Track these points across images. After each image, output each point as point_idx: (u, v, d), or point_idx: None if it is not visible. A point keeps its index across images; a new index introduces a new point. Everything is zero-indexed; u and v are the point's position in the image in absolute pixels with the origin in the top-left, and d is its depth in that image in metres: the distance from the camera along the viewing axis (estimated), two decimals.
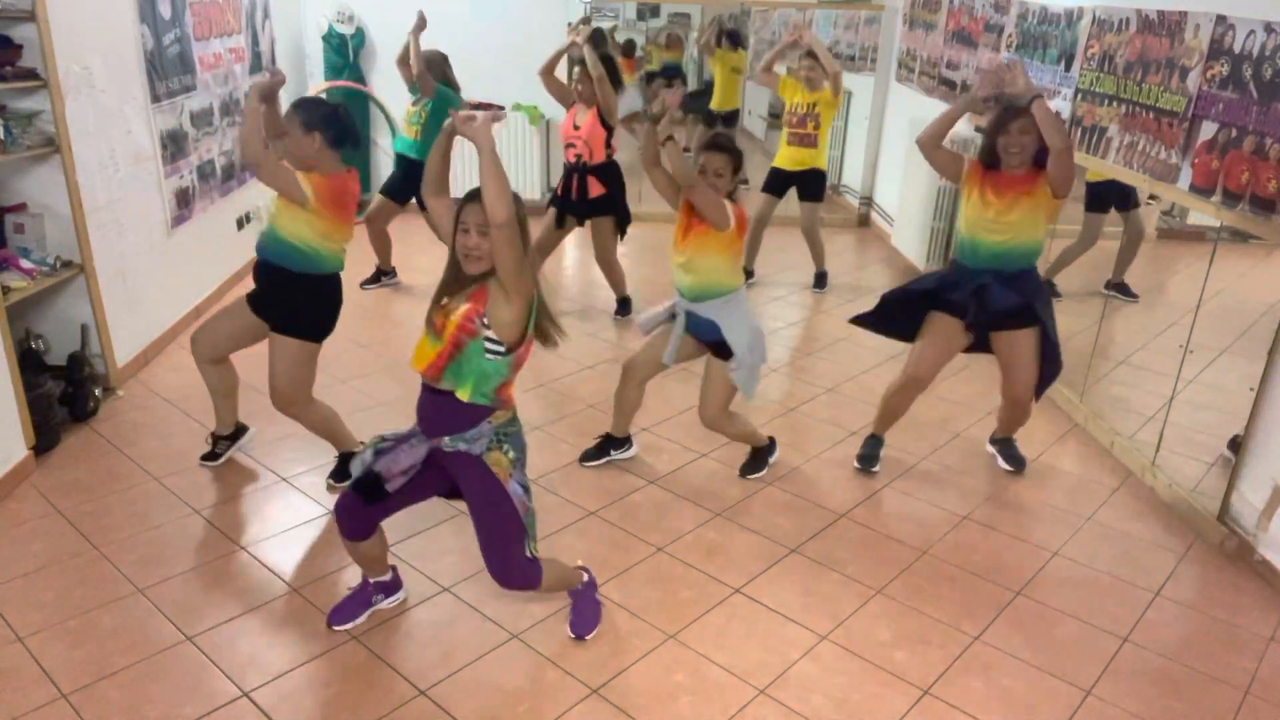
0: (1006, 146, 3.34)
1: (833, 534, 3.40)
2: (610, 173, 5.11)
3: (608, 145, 5.07)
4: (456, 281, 2.47)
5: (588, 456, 3.80)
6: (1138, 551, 3.37)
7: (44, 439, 3.69)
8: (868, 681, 2.68)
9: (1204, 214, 3.67)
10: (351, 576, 2.99)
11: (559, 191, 5.20)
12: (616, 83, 5.01)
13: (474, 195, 2.37)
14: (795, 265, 6.30)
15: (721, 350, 3.43)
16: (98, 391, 4.09)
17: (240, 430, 3.78)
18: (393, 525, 3.36)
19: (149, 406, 4.18)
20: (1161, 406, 3.84)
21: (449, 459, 2.53)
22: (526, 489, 2.57)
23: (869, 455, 3.84)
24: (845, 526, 3.45)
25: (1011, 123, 3.32)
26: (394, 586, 2.93)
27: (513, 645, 2.78)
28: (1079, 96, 4.49)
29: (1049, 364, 3.53)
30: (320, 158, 3.20)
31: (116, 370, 4.29)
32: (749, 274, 5.88)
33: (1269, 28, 3.24)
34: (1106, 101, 4.25)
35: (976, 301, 3.43)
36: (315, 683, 2.61)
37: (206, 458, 3.72)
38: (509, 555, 2.55)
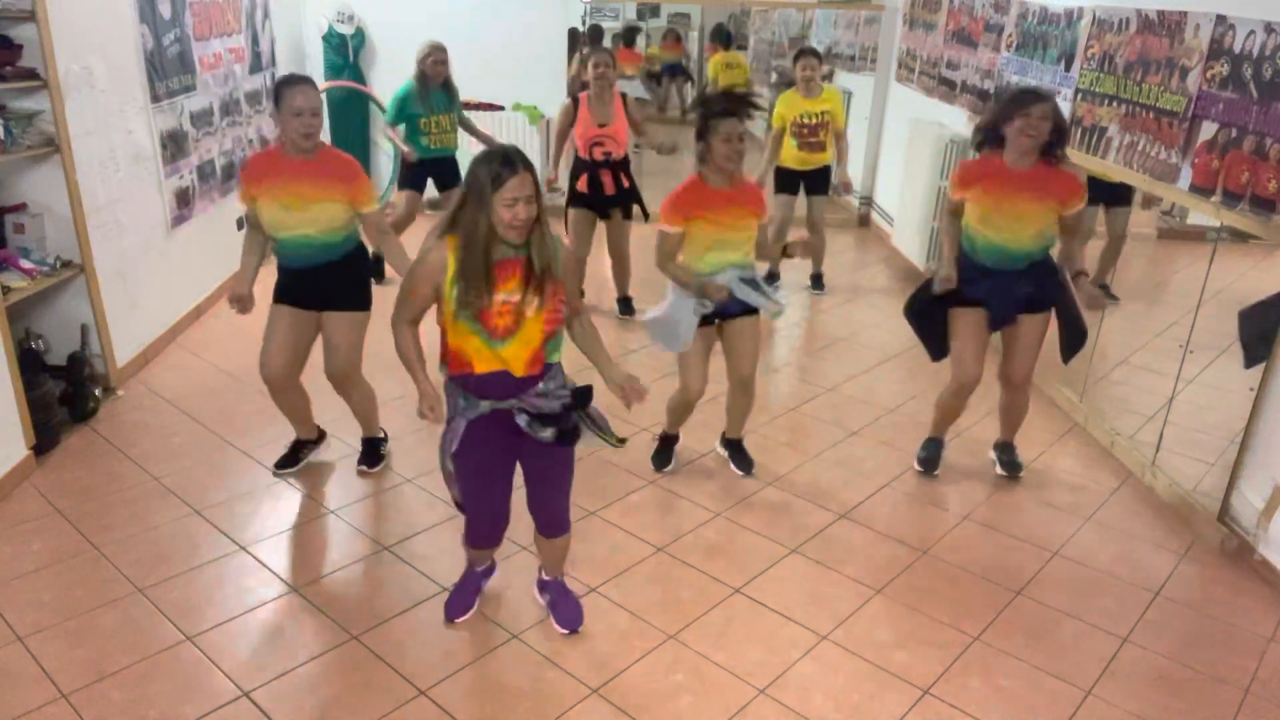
0: (1024, 129, 3.28)
1: (833, 534, 3.40)
2: (629, 165, 5.27)
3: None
4: (495, 273, 2.36)
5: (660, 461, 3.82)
6: (1138, 551, 3.37)
7: (44, 439, 3.69)
8: (868, 681, 2.68)
9: (1204, 214, 3.67)
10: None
11: (586, 189, 5.14)
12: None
13: (514, 164, 2.29)
14: (796, 266, 6.27)
15: (751, 309, 3.49)
16: (98, 391, 4.09)
17: (321, 435, 3.77)
18: (392, 526, 3.37)
19: (149, 406, 4.18)
20: (1161, 406, 3.84)
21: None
22: None
23: (931, 459, 3.84)
24: (846, 527, 3.45)
25: (1033, 106, 3.28)
26: (492, 569, 3.03)
27: (513, 645, 2.78)
28: (1079, 96, 4.49)
29: (1073, 331, 3.55)
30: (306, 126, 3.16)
31: (116, 370, 4.29)
32: (775, 275, 5.89)
33: (1269, 28, 3.24)
34: (1106, 101, 4.25)
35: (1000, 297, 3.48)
36: (315, 683, 2.61)
37: (284, 464, 3.66)
38: (568, 500, 2.72)
